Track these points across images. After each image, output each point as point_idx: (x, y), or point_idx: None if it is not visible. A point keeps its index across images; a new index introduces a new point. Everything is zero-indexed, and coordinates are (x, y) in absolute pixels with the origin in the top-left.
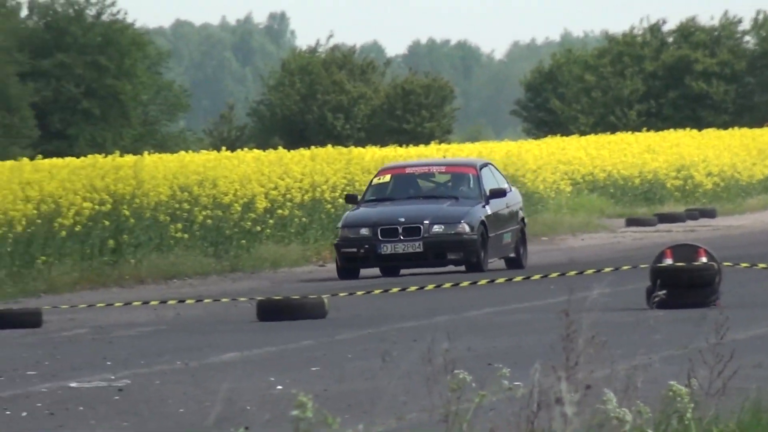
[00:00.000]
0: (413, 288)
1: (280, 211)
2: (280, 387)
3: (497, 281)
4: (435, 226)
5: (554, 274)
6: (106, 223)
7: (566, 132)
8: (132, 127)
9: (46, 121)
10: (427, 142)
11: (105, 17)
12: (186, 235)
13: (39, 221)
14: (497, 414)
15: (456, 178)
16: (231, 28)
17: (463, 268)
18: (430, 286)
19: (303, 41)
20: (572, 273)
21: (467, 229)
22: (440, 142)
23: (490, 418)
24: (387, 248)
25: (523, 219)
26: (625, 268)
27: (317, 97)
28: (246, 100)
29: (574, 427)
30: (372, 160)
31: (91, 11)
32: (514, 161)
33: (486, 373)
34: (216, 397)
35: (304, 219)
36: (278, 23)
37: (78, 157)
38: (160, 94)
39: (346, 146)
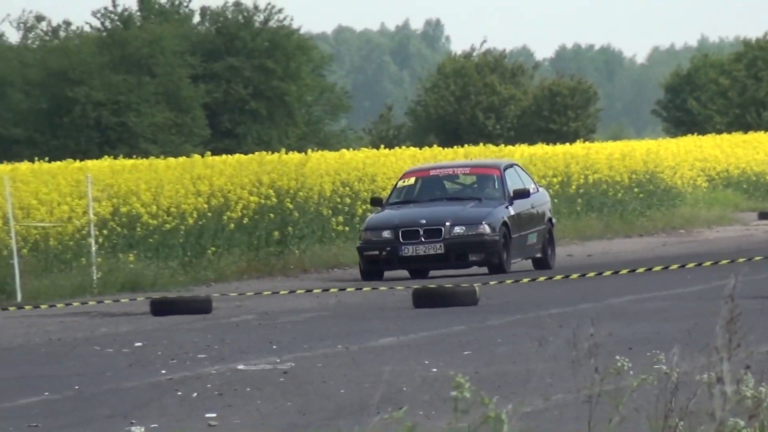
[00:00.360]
0: (559, 277)
1: None
2: (434, 369)
3: (638, 271)
4: (456, 228)
5: (691, 264)
6: (272, 216)
7: (703, 131)
8: (297, 127)
9: (217, 120)
10: (572, 141)
11: (272, 23)
12: (347, 228)
13: (209, 214)
14: (640, 395)
15: (480, 179)
16: (390, 34)
17: (485, 269)
18: (574, 276)
19: (457, 46)
20: (708, 263)
21: (488, 230)
22: (584, 141)
23: (634, 399)
24: (408, 250)
25: (550, 219)
26: (757, 258)
27: (470, 98)
28: (404, 101)
29: (731, 406)
30: (521, 158)
31: (260, 17)
32: (653, 158)
33: (629, 358)
34: (374, 379)
35: None
36: (434, 29)
37: (246, 155)
38: (323, 96)
39: (497, 145)
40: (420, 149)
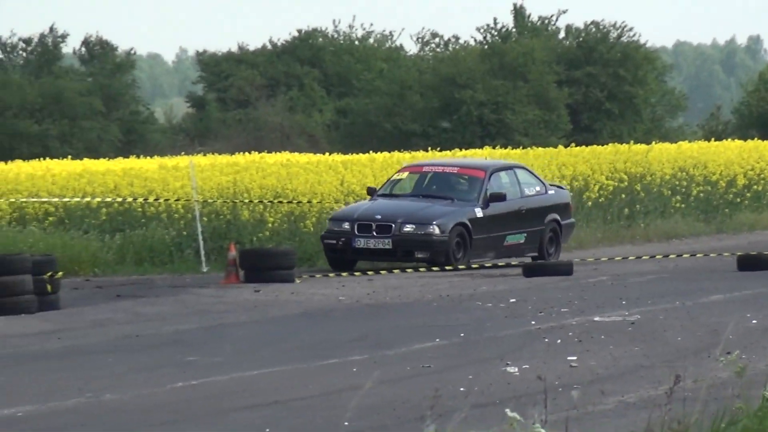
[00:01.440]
0: None
1: (755, 187)
2: (754, 321)
3: None
4: (406, 226)
5: None
6: (623, 196)
7: None
8: (643, 123)
9: (577, 118)
10: None
11: (624, 39)
12: (683, 205)
13: (571, 194)
14: None
15: (464, 180)
16: (719, 47)
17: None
18: None
19: None
20: None
21: (437, 231)
22: None
23: None
24: (361, 243)
25: (557, 221)
26: None
27: None
28: (730, 102)
29: None
30: None
31: (614, 34)
32: None
33: None
34: (705, 329)
35: None
36: (755, 43)
37: (601, 146)
38: (665, 98)
39: None
40: (744, 141)
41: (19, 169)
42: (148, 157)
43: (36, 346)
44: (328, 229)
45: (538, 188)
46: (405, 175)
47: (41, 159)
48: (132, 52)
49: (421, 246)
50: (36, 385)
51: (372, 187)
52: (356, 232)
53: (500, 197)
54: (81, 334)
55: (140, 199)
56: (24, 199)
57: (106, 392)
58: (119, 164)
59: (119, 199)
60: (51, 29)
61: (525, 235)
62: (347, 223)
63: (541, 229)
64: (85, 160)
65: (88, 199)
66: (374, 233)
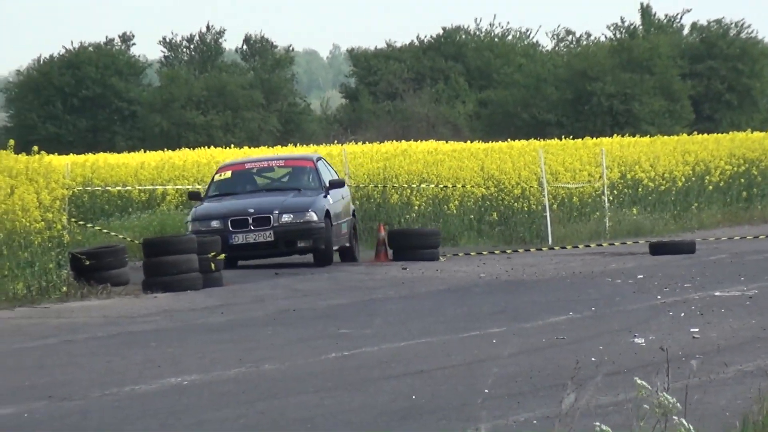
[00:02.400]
0: None
1: None
2: None
3: None
4: (284, 216)
5: None
6: (742, 180)
7: None
8: (760, 113)
9: (699, 108)
10: None
11: (743, 35)
12: None
13: (693, 179)
14: None
15: (296, 171)
16: None
17: (310, 257)
18: None
19: None
20: None
21: (315, 217)
22: None
23: None
24: (238, 238)
25: (354, 211)
26: None
27: None
28: None
29: None
30: None
31: (733, 30)
32: None
33: None
34: None
35: None
36: None
37: (721, 134)
38: None
39: None
40: None
41: (186, 156)
42: (305, 146)
43: (201, 319)
44: (193, 230)
45: (337, 179)
46: (228, 174)
47: (206, 147)
48: (290, 48)
49: (302, 235)
50: (201, 356)
51: (195, 192)
52: (231, 228)
53: (339, 184)
54: (242, 309)
55: None
56: (189, 186)
57: (264, 362)
58: (278, 152)
59: None
60: (208, 28)
61: (347, 224)
62: (217, 221)
63: (351, 219)
64: (246, 148)
65: None
66: (251, 227)
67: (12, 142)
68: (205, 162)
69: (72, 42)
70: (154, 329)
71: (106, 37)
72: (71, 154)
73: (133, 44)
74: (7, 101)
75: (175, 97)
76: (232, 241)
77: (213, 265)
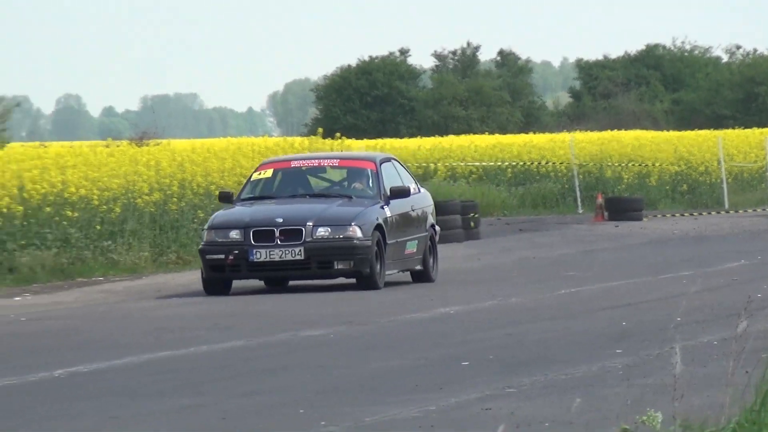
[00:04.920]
0: None
1: None
2: None
3: None
4: (320, 229)
5: None
6: None
7: None
8: None
9: None
10: None
11: None
12: None
13: None
14: None
15: (351, 174)
16: None
17: (353, 280)
18: None
19: None
20: None
21: (359, 233)
22: None
23: None
24: (261, 255)
25: (433, 225)
26: None
27: None
28: None
29: None
30: None
31: None
32: None
33: None
34: None
35: None
36: None
37: None
38: None
39: None
40: None
41: (451, 142)
42: (540, 134)
43: (464, 265)
44: (207, 240)
45: (413, 186)
46: (269, 172)
47: (467, 135)
48: (529, 60)
49: (341, 254)
50: (465, 292)
51: (226, 192)
52: (253, 242)
53: (403, 193)
54: (493, 257)
55: (535, 163)
56: (455, 163)
57: (511, 297)
58: (521, 138)
59: (521, 163)
60: (468, 44)
61: (417, 242)
62: (237, 231)
63: (425, 236)
64: (497, 135)
65: (499, 162)
66: (278, 241)
67: (321, 130)
68: (466, 145)
69: (365, 54)
70: None
71: (389, 51)
72: (365, 139)
73: (410, 56)
74: (317, 99)
75: (443, 96)
76: (252, 258)
77: (473, 224)
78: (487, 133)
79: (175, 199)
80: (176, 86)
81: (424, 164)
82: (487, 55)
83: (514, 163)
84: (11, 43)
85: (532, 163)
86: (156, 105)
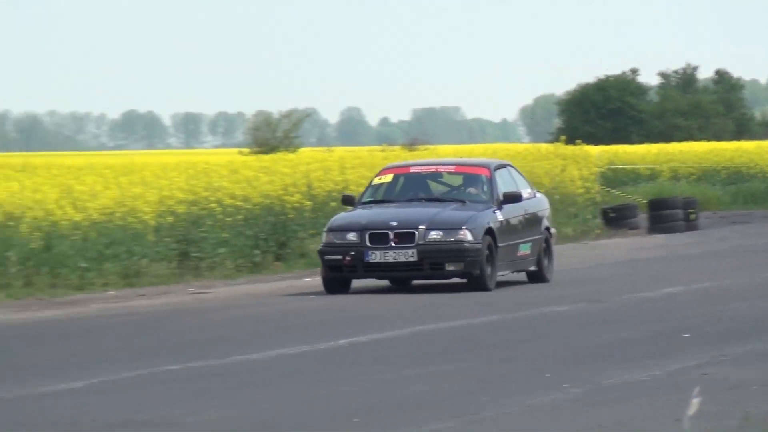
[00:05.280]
0: None
1: None
2: None
3: None
4: (432, 232)
5: None
6: None
7: None
8: None
9: None
10: None
11: None
12: None
13: None
14: None
15: (466, 179)
16: None
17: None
18: None
19: None
20: None
21: (469, 236)
22: None
23: None
24: (376, 256)
25: (548, 228)
26: None
27: None
28: None
29: None
30: None
31: None
32: None
33: None
34: None
35: None
36: None
37: None
38: None
39: None
40: None
41: (674, 148)
42: (750, 141)
43: (683, 252)
44: (326, 242)
45: (529, 191)
46: (389, 177)
47: (687, 142)
48: (740, 78)
49: (452, 256)
50: (683, 272)
51: (348, 195)
52: (368, 244)
53: (515, 198)
54: (709, 245)
55: (746, 166)
56: (677, 165)
57: (725, 278)
58: (733, 145)
59: (733, 166)
60: (687, 65)
61: (530, 244)
62: (354, 234)
63: (539, 237)
64: (713, 142)
65: (714, 165)
66: (392, 243)
67: (563, 137)
68: (687, 150)
69: (601, 73)
70: (653, 257)
71: (622, 71)
72: (600, 145)
73: (639, 74)
74: (561, 111)
75: (667, 109)
76: (368, 259)
77: (693, 216)
78: (704, 140)
79: None
80: (442, 100)
81: (651, 166)
82: (704, 73)
83: (727, 166)
84: (301, 62)
85: (742, 166)
86: (424, 116)
